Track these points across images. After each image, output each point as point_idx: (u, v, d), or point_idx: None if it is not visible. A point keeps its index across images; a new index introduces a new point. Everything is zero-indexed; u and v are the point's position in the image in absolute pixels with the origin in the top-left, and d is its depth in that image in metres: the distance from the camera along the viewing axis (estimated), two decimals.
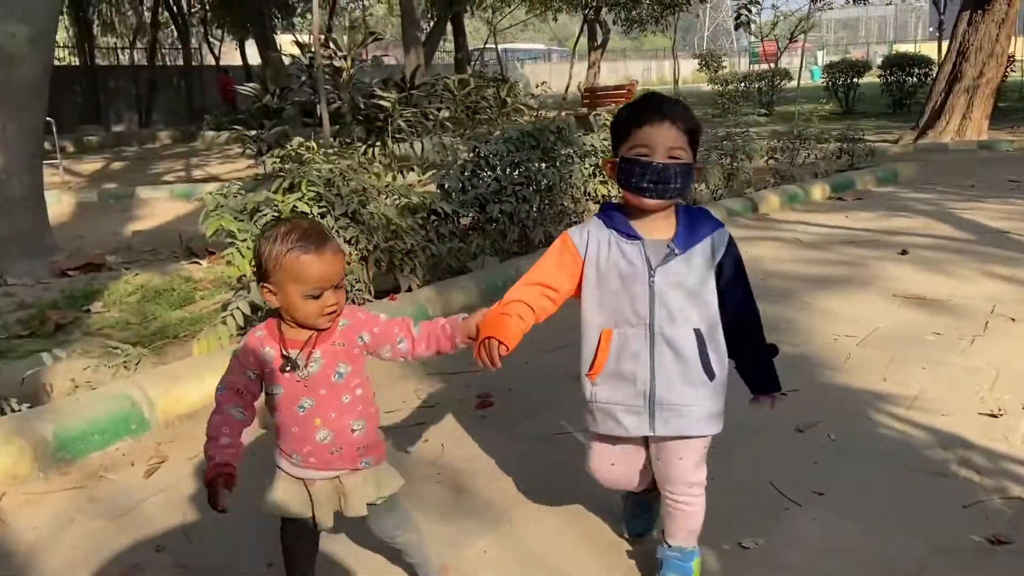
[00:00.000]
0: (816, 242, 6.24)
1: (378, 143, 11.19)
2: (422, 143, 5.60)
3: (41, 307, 5.37)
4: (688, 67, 50.61)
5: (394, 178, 4.76)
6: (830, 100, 23.19)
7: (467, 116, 12.77)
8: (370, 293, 4.54)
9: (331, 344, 1.92)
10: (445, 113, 12.50)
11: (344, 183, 4.26)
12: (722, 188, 7.64)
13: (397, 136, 11.49)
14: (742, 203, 7.47)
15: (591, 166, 6.16)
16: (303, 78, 11.96)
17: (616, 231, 1.98)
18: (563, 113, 16.65)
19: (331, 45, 11.75)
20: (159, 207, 10.24)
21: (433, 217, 4.96)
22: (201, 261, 6.66)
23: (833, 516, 2.49)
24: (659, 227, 1.96)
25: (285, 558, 2.09)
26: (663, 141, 1.88)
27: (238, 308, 4.07)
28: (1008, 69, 16.14)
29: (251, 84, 12.14)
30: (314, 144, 4.71)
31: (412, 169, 5.14)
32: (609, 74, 38.68)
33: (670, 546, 2.13)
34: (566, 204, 5.82)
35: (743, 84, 24.04)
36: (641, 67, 49.27)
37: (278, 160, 4.67)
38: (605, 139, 6.39)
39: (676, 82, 21.07)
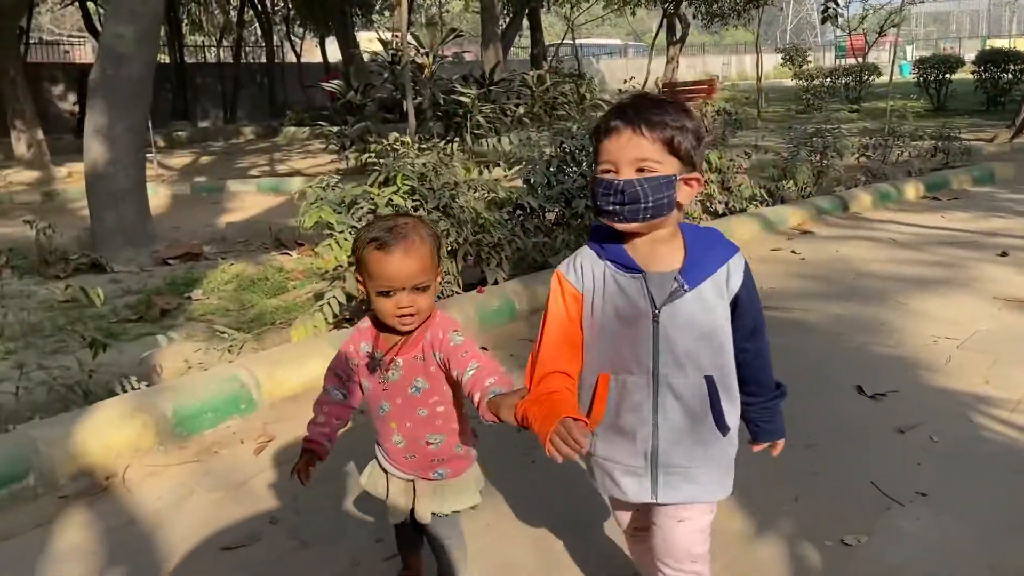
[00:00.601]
0: (911, 242, 6.08)
1: (457, 139, 11.36)
2: (509, 138, 5.67)
3: (146, 293, 5.65)
4: (770, 62, 49.49)
5: (480, 173, 4.83)
6: (921, 96, 22.42)
7: (545, 112, 12.82)
8: (459, 285, 4.64)
9: (412, 356, 1.88)
10: (522, 109, 12.60)
11: (436, 177, 4.36)
12: (811, 186, 7.50)
13: (476, 132, 11.65)
14: (831, 201, 7.33)
15: None
16: (385, 75, 12.22)
17: (613, 262, 1.66)
18: None
19: (414, 42, 11.95)
20: (248, 200, 10.59)
21: (519, 212, 5.03)
22: (291, 252, 6.90)
23: (937, 516, 2.46)
24: (662, 255, 1.64)
25: (396, 534, 2.17)
26: (626, 155, 1.56)
27: (334, 297, 4.21)
28: None
29: (336, 81, 12.46)
30: (408, 139, 4.82)
31: (497, 164, 5.20)
32: (687, 69, 38.13)
33: None
34: None
35: (829, 79, 23.45)
36: (720, 62, 48.36)
37: (371, 155, 4.79)
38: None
39: (759, 78, 20.66)
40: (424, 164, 4.36)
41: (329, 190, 4.27)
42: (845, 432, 3.04)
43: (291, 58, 30.85)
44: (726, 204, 6.63)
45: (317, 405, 2.03)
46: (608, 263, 1.66)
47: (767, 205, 7.05)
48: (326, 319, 4.16)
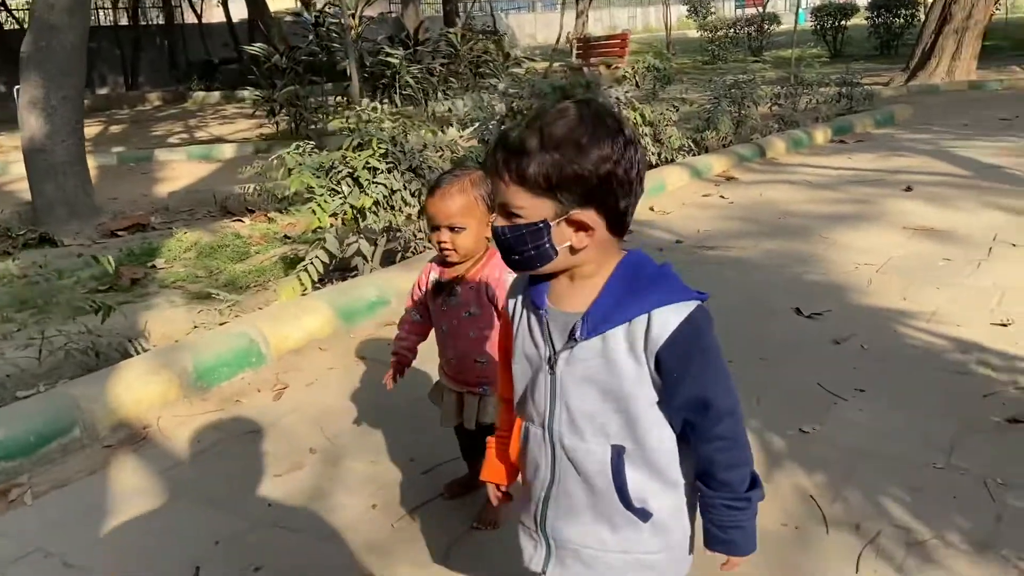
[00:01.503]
0: (825, 183, 6.70)
1: (386, 100, 11.49)
2: (464, 100, 5.99)
3: (104, 265, 5.75)
4: (674, 13, 50.28)
5: (434, 134, 5.12)
6: (818, 44, 23.51)
7: (471, 72, 13.04)
8: (429, 242, 4.95)
9: (470, 286, 2.24)
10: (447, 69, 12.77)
11: (405, 140, 4.66)
12: (731, 135, 8.05)
13: (404, 93, 11.80)
14: (751, 149, 7.91)
15: None
16: (310, 37, 12.19)
17: (527, 294, 1.41)
18: (555, 66, 16.88)
19: (339, 3, 11.95)
20: (179, 168, 10.52)
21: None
22: (244, 219, 7.05)
23: (875, 406, 2.99)
24: (576, 294, 1.34)
25: (460, 443, 2.58)
26: (496, 198, 1.34)
27: (316, 258, 4.47)
28: (994, 8, 16.48)
29: (258, 44, 12.35)
30: (378, 105, 5.07)
31: (451, 126, 5.50)
32: (595, 23, 38.44)
33: None
34: None
35: (732, 30, 24.21)
36: (627, 15, 48.93)
37: (342, 120, 5.02)
38: (628, 92, 6.77)
39: (668, 29, 21.23)
40: (394, 127, 4.64)
41: (307, 155, 4.50)
42: (790, 346, 3.57)
43: (191, 19, 29.77)
44: (658, 155, 7.11)
45: (400, 324, 2.47)
46: (525, 294, 1.42)
47: (694, 155, 7.57)
48: (311, 278, 4.42)
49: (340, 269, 4.80)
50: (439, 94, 11.23)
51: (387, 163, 4.53)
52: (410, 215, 4.75)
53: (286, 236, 6.33)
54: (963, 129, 8.78)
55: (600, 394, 1.33)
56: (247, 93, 15.14)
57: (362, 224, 4.58)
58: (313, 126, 11.71)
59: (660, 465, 1.36)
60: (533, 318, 1.39)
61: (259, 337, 3.76)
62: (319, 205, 4.38)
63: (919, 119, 9.61)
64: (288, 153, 4.53)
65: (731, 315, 3.85)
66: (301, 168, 4.39)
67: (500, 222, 1.32)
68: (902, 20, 21.51)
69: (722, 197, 6.53)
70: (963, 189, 6.06)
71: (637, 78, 7.80)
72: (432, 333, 2.46)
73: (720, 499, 1.35)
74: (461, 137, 5.52)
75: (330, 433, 3.11)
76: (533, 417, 1.42)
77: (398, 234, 4.80)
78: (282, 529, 2.54)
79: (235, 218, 7.19)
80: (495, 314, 2.26)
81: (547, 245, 1.28)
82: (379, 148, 4.46)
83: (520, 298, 1.44)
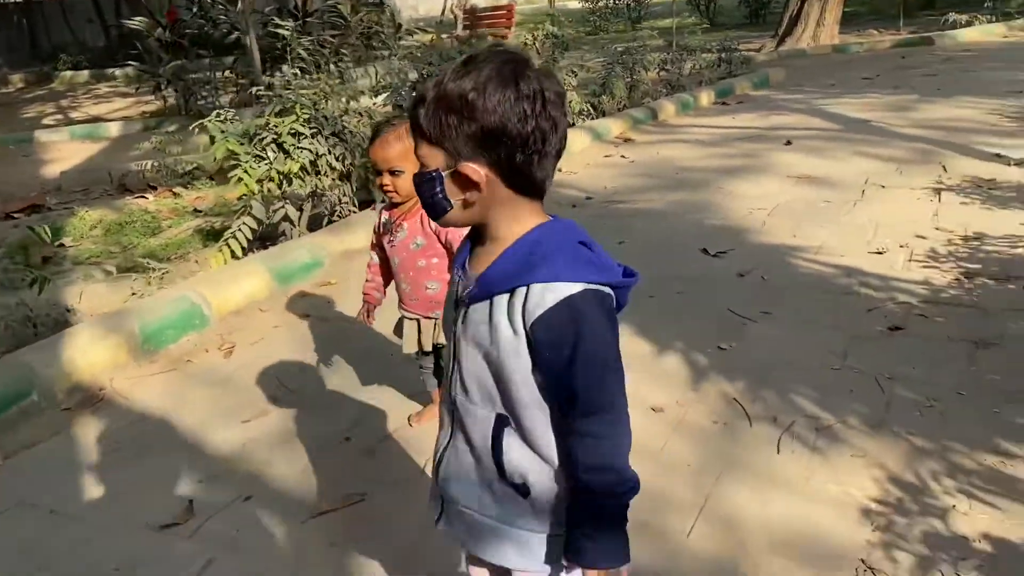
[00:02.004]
0: (714, 141, 7.20)
1: (278, 72, 11.33)
2: (376, 68, 6.08)
3: (13, 245, 5.63)
4: None
5: (348, 101, 5.26)
6: (692, 13, 24.43)
7: (363, 44, 12.96)
8: (354, 205, 5.12)
9: (414, 220, 2.52)
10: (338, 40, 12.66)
11: (327, 106, 4.79)
12: (625, 99, 8.47)
13: (298, 64, 11.66)
14: (644, 112, 8.34)
15: None
16: (194, 9, 11.86)
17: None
18: (442, 36, 16.96)
19: None
20: (64, 149, 10.13)
21: None
22: (148, 195, 6.96)
23: (780, 325, 3.41)
24: (487, 256, 1.30)
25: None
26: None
27: (245, 224, 4.56)
28: None
29: (139, 17, 11.91)
30: (297, 71, 5.15)
31: (363, 93, 5.62)
32: None
33: None
34: None
35: (612, 1, 24.77)
36: None
37: (260, 89, 5.08)
38: (541, 56, 7.06)
39: (552, 1, 21.60)
40: (315, 93, 4.75)
41: (229, 123, 4.57)
42: (702, 280, 3.97)
43: None
44: None
45: (368, 268, 2.74)
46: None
47: (592, 118, 7.94)
48: (240, 245, 4.51)
49: (262, 239, 4.88)
50: (331, 66, 11.17)
51: (311, 128, 4.65)
52: (334, 180, 4.89)
53: (196, 210, 6.32)
54: (831, 88, 9.50)
55: (484, 360, 1.27)
56: (126, 71, 14.57)
57: (288, 190, 4.70)
58: (202, 101, 11.46)
59: (539, 445, 1.28)
60: (456, 277, 1.37)
61: (200, 300, 3.86)
62: (246, 171, 4.47)
63: (791, 81, 10.32)
64: (210, 121, 4.57)
65: (647, 257, 4.23)
66: (225, 136, 4.46)
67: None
68: None
69: (623, 157, 6.93)
70: (836, 141, 6.66)
71: (537, 45, 8.08)
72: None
73: (577, 502, 1.27)
74: (374, 104, 5.67)
75: (288, 383, 3.29)
76: (446, 374, 1.39)
77: (323, 198, 4.93)
78: (262, 464, 2.72)
79: (137, 195, 7.07)
80: (439, 244, 2.53)
81: (440, 195, 1.25)
82: (303, 113, 4.58)
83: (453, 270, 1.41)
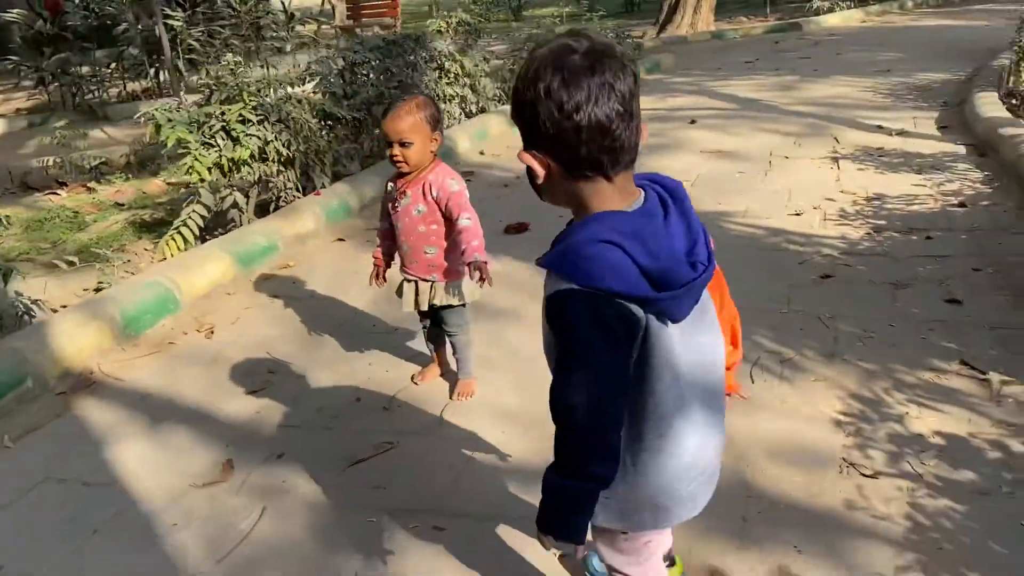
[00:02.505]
0: None
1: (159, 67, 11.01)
2: (304, 56, 6.09)
3: None
4: None
5: (274, 90, 5.32)
6: (571, 3, 25.10)
7: (254, 35, 12.74)
8: (298, 190, 5.21)
9: (417, 188, 2.71)
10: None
11: (271, 93, 4.86)
12: None
13: (188, 57, 11.37)
14: None
15: (436, 69, 7.03)
16: (76, 1, 11.35)
17: None
18: (324, 27, 16.80)
19: None
20: None
21: (330, 122, 5.64)
22: (60, 192, 6.76)
23: (728, 278, 3.79)
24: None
25: (424, 335, 3.06)
26: None
27: (195, 212, 4.60)
28: None
29: (17, 10, 11.28)
30: (238, 59, 5.18)
31: (291, 83, 5.67)
32: None
33: None
34: None
35: None
36: None
37: (203, 78, 5.08)
38: (449, 44, 7.26)
39: None
40: (259, 81, 4.81)
41: (175, 112, 4.58)
42: None
43: None
44: (476, 104, 7.69)
45: (378, 235, 2.93)
46: None
47: (504, 104, 8.23)
48: (193, 233, 4.54)
49: (210, 227, 4.89)
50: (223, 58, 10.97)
51: (258, 115, 4.72)
52: (279, 167, 4.97)
53: (117, 203, 6.22)
54: (717, 72, 10.16)
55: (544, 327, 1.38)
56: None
57: (236, 177, 4.75)
58: (90, 95, 11.04)
59: None
60: None
61: (172, 285, 3.91)
62: (196, 159, 4.50)
63: (680, 66, 10.93)
64: (156, 111, 4.57)
65: None
66: (173, 124, 4.48)
67: None
68: None
69: None
70: (735, 119, 7.21)
71: (450, 32, 8.28)
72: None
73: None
74: (303, 92, 5.75)
75: (280, 356, 3.43)
76: None
77: (270, 185, 4.99)
78: (282, 427, 2.88)
79: (46, 192, 6.85)
80: (439, 212, 2.72)
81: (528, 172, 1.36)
82: (250, 101, 4.65)
83: None
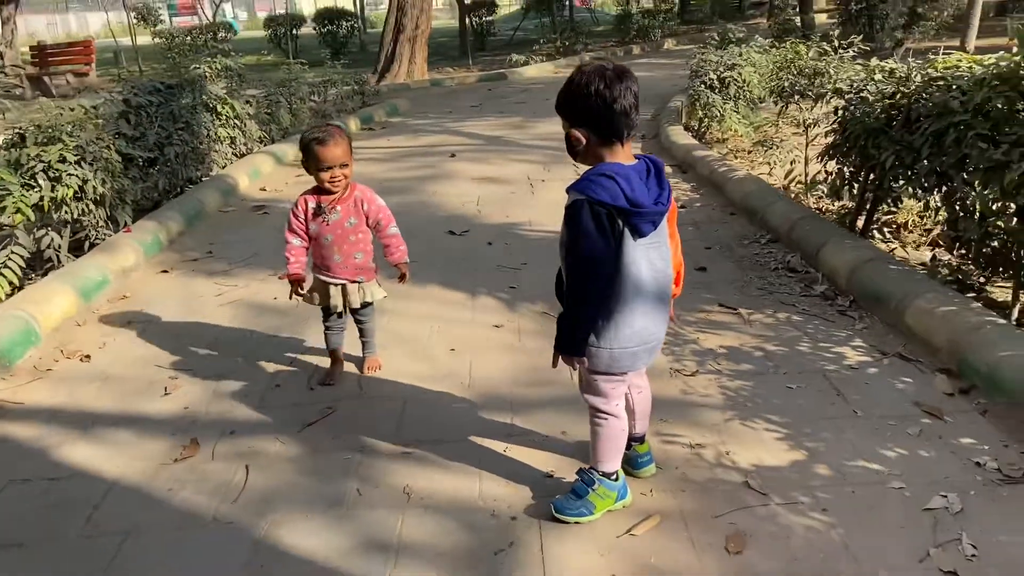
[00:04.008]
0: (390, 158, 8.43)
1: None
2: (88, 99, 5.96)
3: None
4: (99, 21, 47.28)
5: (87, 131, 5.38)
6: (273, 51, 25.39)
7: None
8: (108, 228, 5.32)
9: (347, 204, 3.21)
10: None
11: (82, 134, 4.99)
12: (290, 126, 9.27)
13: None
14: None
15: (209, 111, 7.31)
16: None
17: None
18: (8, 73, 15.66)
19: None
20: None
21: (124, 162, 5.78)
22: None
23: (539, 269, 4.75)
24: None
25: (325, 337, 3.52)
26: None
27: (15, 253, 4.59)
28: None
29: None
30: (50, 103, 5.16)
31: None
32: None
33: None
34: (206, 145, 6.98)
35: (189, 37, 24.59)
36: (44, 21, 44.63)
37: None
38: (223, 88, 7.56)
39: (133, 36, 20.85)
40: (72, 123, 4.91)
41: None
42: (464, 251, 5.17)
43: None
44: (245, 145, 8.03)
45: (287, 252, 3.31)
46: None
47: (266, 144, 8.63)
48: (15, 274, 4.54)
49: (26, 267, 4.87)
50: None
51: (75, 155, 4.84)
52: (93, 206, 5.08)
53: None
54: (450, 115, 11.34)
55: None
56: None
57: (54, 217, 4.82)
58: None
59: None
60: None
61: (31, 318, 3.99)
62: (21, 200, 4.54)
63: (416, 109, 11.98)
64: None
65: (413, 240, 5.28)
66: None
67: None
68: (345, 31, 24.65)
69: None
70: (487, 152, 8.33)
71: (212, 76, 8.48)
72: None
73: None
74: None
75: (172, 368, 3.74)
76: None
77: (84, 223, 5.07)
78: (218, 414, 3.27)
79: None
80: (366, 223, 3.32)
81: (569, 143, 2.21)
82: (71, 141, 4.77)
83: None
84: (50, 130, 4.81)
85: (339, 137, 3.14)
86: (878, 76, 4.53)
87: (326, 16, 24.85)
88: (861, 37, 6.36)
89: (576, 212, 2.13)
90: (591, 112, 2.14)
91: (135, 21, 27.51)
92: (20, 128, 4.87)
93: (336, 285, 3.35)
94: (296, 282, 3.35)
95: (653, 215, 2.17)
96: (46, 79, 18.97)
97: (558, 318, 2.27)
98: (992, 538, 2.29)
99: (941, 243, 4.72)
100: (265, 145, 8.61)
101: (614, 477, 2.49)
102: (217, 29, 25.09)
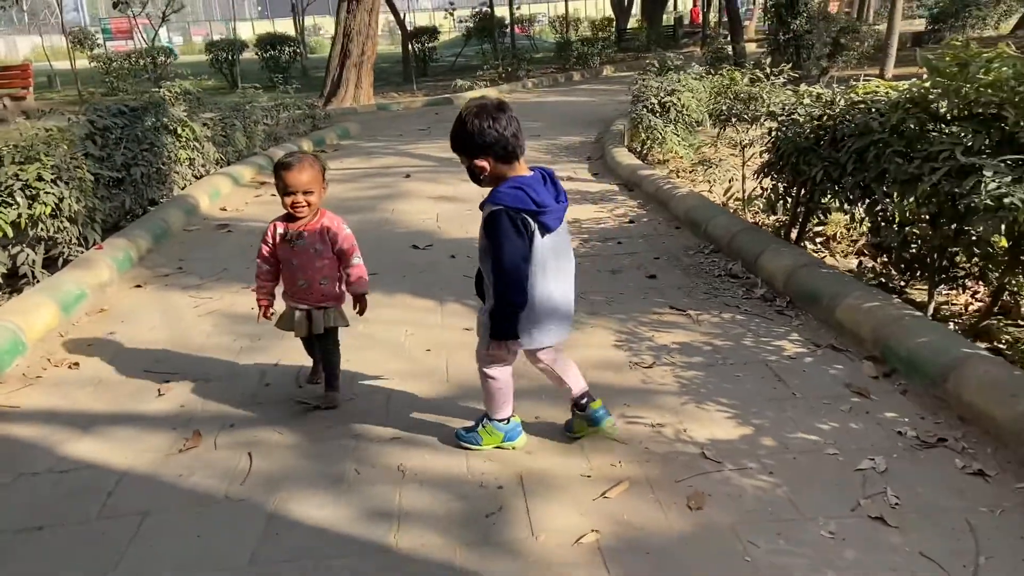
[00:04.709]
0: (348, 178, 8.69)
1: None
2: (54, 119, 6.07)
3: None
4: (27, 44, 46.30)
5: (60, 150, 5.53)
6: (214, 76, 25.36)
7: None
8: (80, 245, 5.46)
9: (314, 231, 3.21)
10: None
11: (56, 153, 5.16)
12: (245, 149, 9.45)
13: None
14: (264, 159, 9.45)
15: (170, 133, 7.48)
16: None
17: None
18: None
19: None
20: None
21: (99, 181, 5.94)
22: None
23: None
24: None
25: (304, 346, 3.71)
26: None
27: None
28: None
29: None
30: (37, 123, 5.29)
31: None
32: None
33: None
34: (168, 166, 7.15)
35: (128, 61, 24.41)
36: None
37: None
38: (184, 110, 7.74)
39: (72, 59, 20.64)
40: (46, 143, 5.07)
41: None
42: (429, 264, 5.46)
43: None
44: (203, 166, 8.20)
45: (257, 278, 3.40)
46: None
47: (222, 166, 8.81)
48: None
49: None
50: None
51: (52, 174, 5.00)
52: (64, 224, 5.23)
53: None
54: (400, 137, 11.65)
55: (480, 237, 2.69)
56: None
57: (30, 234, 4.96)
58: None
59: (486, 278, 2.75)
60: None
61: (17, 328, 4.15)
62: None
63: (366, 132, 12.26)
64: None
65: (379, 254, 5.58)
66: None
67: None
68: (287, 56, 24.78)
69: (273, 195, 8.00)
70: (440, 173, 8.66)
71: (171, 99, 8.62)
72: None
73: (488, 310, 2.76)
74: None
75: (162, 370, 3.94)
76: None
77: (58, 240, 5.21)
78: (217, 409, 3.49)
79: None
80: (331, 251, 3.28)
81: (474, 173, 2.71)
82: (48, 160, 4.94)
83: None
84: (27, 149, 4.96)
85: (307, 164, 3.17)
86: (807, 100, 5.02)
87: (268, 41, 24.96)
88: (790, 65, 6.91)
89: (496, 220, 2.58)
90: (488, 143, 2.59)
91: (71, 45, 27.18)
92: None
93: (302, 311, 3.37)
94: (264, 307, 3.41)
95: (557, 211, 2.66)
96: None
97: (489, 312, 2.73)
98: (912, 490, 2.69)
99: (865, 252, 5.22)
100: (221, 167, 8.77)
101: (504, 421, 3.03)
102: (157, 53, 24.97)
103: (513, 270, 2.60)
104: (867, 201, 4.40)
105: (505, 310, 2.67)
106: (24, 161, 4.91)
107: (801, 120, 4.79)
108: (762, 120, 5.76)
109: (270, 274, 3.41)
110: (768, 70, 6.43)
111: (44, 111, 16.10)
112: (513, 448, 3.04)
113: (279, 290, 3.46)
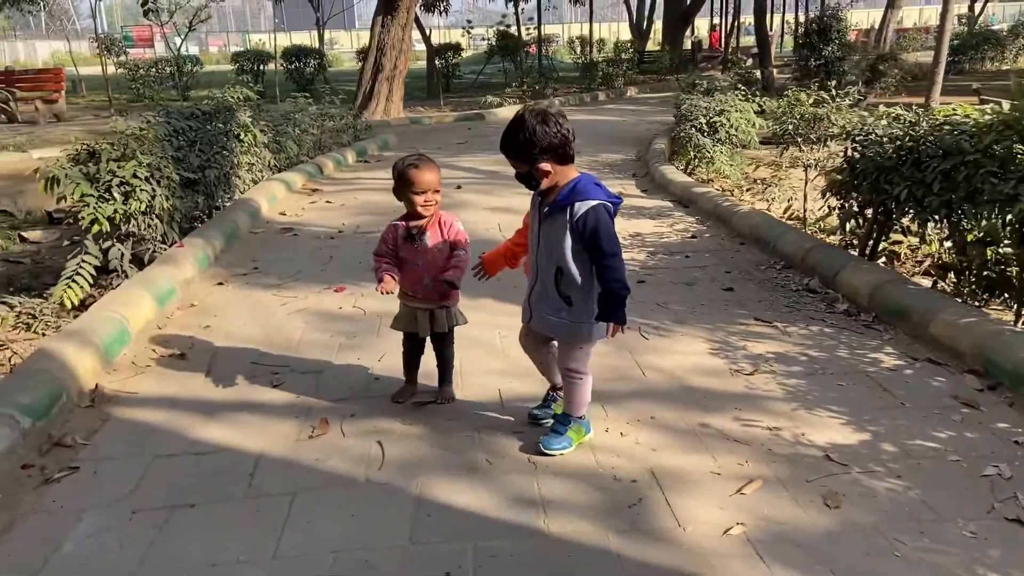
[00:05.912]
0: (388, 187, 8.78)
1: None
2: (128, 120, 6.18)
3: None
4: (47, 49, 46.77)
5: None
6: (238, 85, 25.58)
7: None
8: (163, 242, 5.57)
9: (435, 229, 3.28)
10: None
11: (151, 154, 5.28)
12: (295, 156, 9.59)
13: None
14: (312, 167, 9.60)
15: (235, 138, 7.61)
16: None
17: (536, 198, 3.00)
18: None
19: None
20: None
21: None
22: None
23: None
24: (552, 194, 2.84)
25: (404, 359, 3.69)
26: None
27: (86, 263, 4.82)
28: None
29: None
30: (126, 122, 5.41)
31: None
32: None
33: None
34: (232, 170, 7.27)
35: (154, 69, 24.66)
36: None
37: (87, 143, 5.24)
38: (250, 117, 7.87)
39: (104, 65, 20.89)
40: (139, 141, 5.19)
41: (69, 168, 4.81)
42: None
43: None
44: (260, 172, 8.32)
45: (377, 260, 3.41)
46: (535, 198, 2.97)
47: (277, 172, 8.93)
48: (87, 281, 4.76)
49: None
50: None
51: (146, 172, 5.11)
52: (154, 220, 5.34)
53: None
54: (440, 151, 11.76)
55: (553, 240, 2.78)
56: None
57: (124, 229, 5.07)
58: None
59: (574, 279, 2.82)
60: (536, 206, 2.95)
61: (124, 319, 4.24)
62: (97, 211, 4.78)
63: (404, 144, 12.40)
64: (48, 167, 4.77)
65: None
66: (74, 179, 4.73)
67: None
68: (312, 68, 25.09)
69: (328, 202, 8.14)
70: (490, 184, 8.77)
71: (236, 106, 8.77)
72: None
73: (605, 295, 2.80)
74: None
75: (269, 363, 4.03)
76: (531, 248, 2.99)
77: (145, 237, 5.32)
78: (331, 401, 3.57)
79: None
80: (450, 246, 3.33)
81: (532, 177, 2.82)
82: (144, 159, 5.05)
83: (533, 201, 2.99)
84: (123, 147, 5.07)
85: (432, 164, 3.29)
86: (883, 121, 5.13)
87: (293, 53, 25.28)
88: (824, 90, 7.03)
89: (598, 215, 2.74)
90: (553, 144, 2.75)
91: (97, 52, 27.45)
92: (88, 145, 5.12)
93: (424, 311, 3.42)
94: (388, 281, 3.24)
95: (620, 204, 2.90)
96: (11, 104, 18.86)
97: (615, 300, 2.78)
98: None
99: (931, 272, 5.31)
100: (274, 173, 8.90)
101: (582, 416, 3.15)
102: (184, 62, 25.23)
103: (621, 258, 2.78)
104: (949, 220, 4.50)
105: (624, 296, 2.78)
106: (120, 159, 5.02)
107: (884, 140, 4.90)
108: (831, 140, 5.88)
109: (390, 261, 3.34)
110: (833, 92, 6.57)
111: (121, 113, 16.25)
112: (590, 439, 3.19)
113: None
